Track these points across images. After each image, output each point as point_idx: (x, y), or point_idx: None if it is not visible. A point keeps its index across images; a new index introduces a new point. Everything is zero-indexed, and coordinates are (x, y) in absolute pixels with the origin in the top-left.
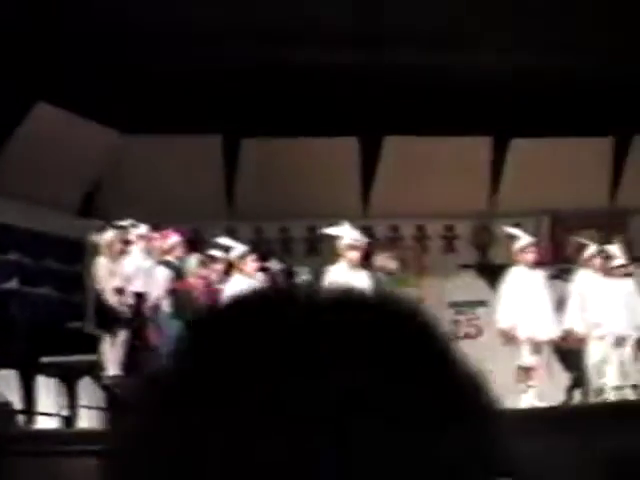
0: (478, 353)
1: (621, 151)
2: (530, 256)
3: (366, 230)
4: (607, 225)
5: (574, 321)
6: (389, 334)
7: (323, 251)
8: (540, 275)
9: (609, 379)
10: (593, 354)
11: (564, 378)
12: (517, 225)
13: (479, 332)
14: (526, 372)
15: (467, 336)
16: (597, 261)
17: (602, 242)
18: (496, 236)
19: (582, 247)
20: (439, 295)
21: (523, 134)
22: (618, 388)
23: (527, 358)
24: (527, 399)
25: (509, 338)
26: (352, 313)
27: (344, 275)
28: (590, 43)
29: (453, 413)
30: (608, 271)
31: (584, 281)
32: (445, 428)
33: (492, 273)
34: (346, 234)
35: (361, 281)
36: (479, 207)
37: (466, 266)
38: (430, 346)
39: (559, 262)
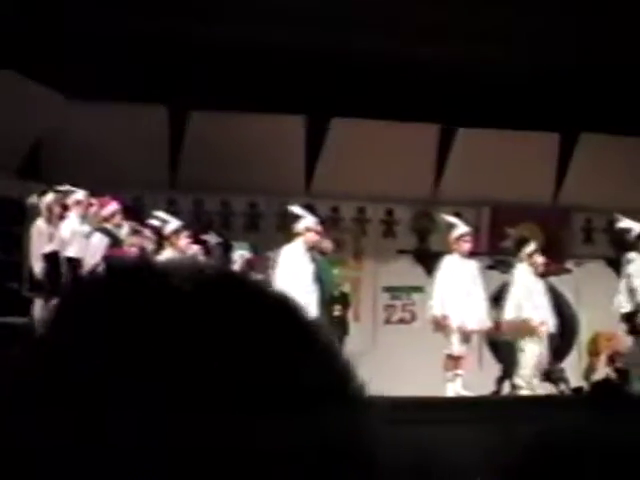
0: (411, 339)
1: (567, 148)
2: (465, 245)
3: (307, 209)
4: (548, 220)
5: (527, 310)
6: (253, 318)
7: (263, 227)
8: (474, 265)
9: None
10: (531, 347)
11: (495, 369)
12: (457, 214)
13: (413, 318)
14: (454, 361)
15: (401, 321)
16: (538, 258)
17: (543, 238)
18: (436, 223)
19: (523, 241)
20: (375, 279)
21: (471, 124)
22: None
23: (456, 347)
24: (453, 388)
25: (440, 326)
26: (218, 297)
27: (298, 255)
28: (543, 39)
29: (319, 398)
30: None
31: (523, 274)
32: (309, 412)
33: (430, 260)
34: (308, 216)
35: (306, 262)
36: (421, 194)
37: (404, 251)
38: (297, 331)
39: (497, 253)
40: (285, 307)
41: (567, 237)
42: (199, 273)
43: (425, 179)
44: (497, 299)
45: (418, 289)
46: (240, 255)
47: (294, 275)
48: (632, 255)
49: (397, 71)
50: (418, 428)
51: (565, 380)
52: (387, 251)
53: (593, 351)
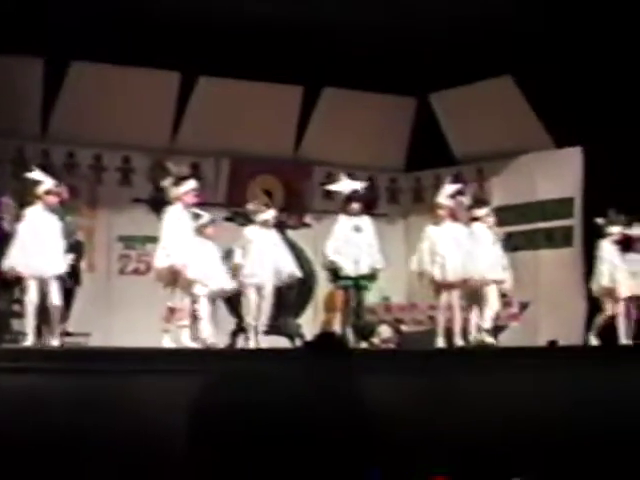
0: (145, 290)
1: (310, 101)
2: (189, 198)
3: (44, 154)
4: (289, 174)
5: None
6: None
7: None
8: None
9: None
10: (248, 301)
11: (230, 322)
12: (196, 165)
13: (148, 268)
14: (174, 313)
15: (136, 272)
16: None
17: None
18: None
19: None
20: (109, 228)
21: (213, 73)
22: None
23: (179, 299)
24: (180, 339)
25: (169, 278)
26: None
27: (40, 216)
28: None
29: None
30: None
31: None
32: None
33: (165, 209)
34: (46, 180)
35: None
36: (160, 142)
37: (139, 200)
38: None
39: (235, 205)
40: None
41: (307, 191)
42: None
43: (164, 127)
44: (231, 252)
45: (153, 239)
46: None
47: (40, 236)
48: (340, 217)
49: (143, 18)
50: (139, 378)
51: (301, 335)
52: (123, 200)
53: (330, 307)
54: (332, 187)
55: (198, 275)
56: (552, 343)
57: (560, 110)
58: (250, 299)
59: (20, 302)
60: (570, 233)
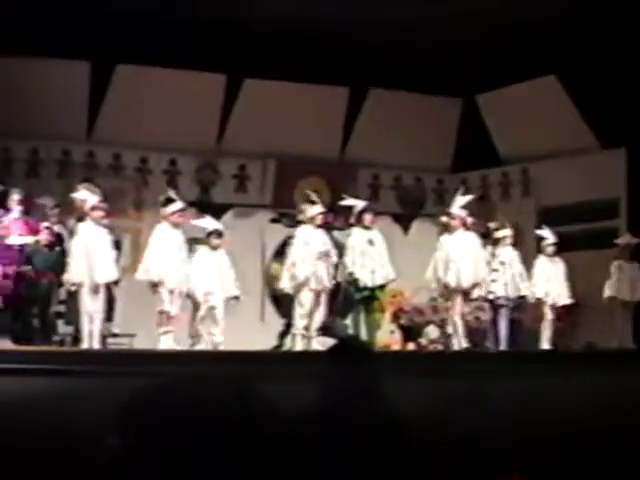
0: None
1: (356, 102)
2: (175, 218)
3: (89, 155)
4: (335, 175)
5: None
6: None
7: (43, 174)
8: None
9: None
10: (302, 302)
11: (279, 324)
12: (243, 166)
13: None
14: (167, 317)
15: None
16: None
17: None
18: (220, 175)
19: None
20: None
21: (258, 75)
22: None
23: (167, 305)
24: (166, 342)
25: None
26: None
27: (91, 231)
28: None
29: None
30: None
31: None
32: None
33: (212, 211)
34: (90, 198)
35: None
36: (206, 144)
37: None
38: None
39: (281, 207)
40: None
41: (354, 193)
42: None
43: (210, 129)
44: (280, 252)
45: (199, 241)
46: (16, 200)
47: (91, 249)
48: (354, 230)
49: (179, 20)
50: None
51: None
52: None
53: (378, 307)
54: (344, 203)
55: (185, 285)
56: (589, 345)
57: (605, 110)
58: (303, 300)
59: (64, 303)
60: (616, 234)
